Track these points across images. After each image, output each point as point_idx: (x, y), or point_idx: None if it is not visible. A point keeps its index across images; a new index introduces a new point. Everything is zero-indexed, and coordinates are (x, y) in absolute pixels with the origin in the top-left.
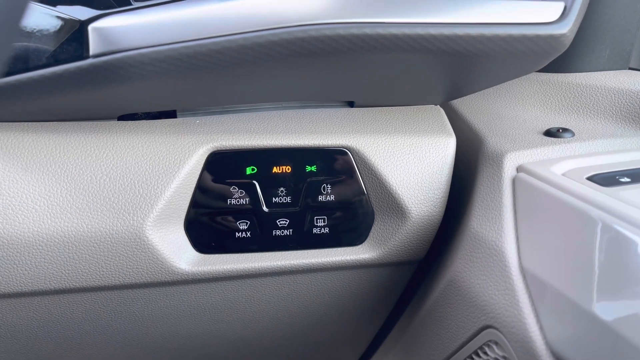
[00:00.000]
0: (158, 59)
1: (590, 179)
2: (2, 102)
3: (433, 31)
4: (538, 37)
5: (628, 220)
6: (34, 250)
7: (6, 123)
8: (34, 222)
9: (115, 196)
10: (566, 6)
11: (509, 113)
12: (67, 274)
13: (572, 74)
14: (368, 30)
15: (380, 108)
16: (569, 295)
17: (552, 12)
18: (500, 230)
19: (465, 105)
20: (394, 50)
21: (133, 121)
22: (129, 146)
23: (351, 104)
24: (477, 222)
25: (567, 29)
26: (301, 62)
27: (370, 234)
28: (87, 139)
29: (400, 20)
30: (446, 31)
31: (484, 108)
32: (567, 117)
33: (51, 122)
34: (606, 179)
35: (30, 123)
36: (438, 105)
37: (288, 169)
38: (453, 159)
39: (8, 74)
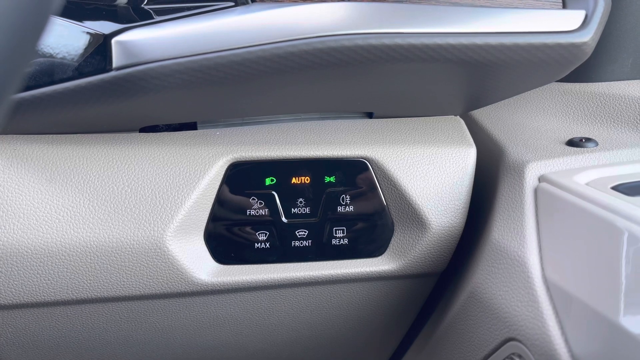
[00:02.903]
0: (179, 71)
1: (615, 188)
2: (27, 115)
3: (452, 41)
4: (559, 46)
5: None
6: (56, 260)
7: (31, 135)
8: (57, 233)
9: (137, 207)
10: (587, 14)
11: (530, 123)
12: (88, 284)
13: (594, 83)
14: (386, 41)
15: (399, 119)
16: (595, 307)
17: (573, 20)
18: (522, 241)
19: (485, 115)
20: (413, 60)
21: (154, 133)
22: (150, 158)
23: (370, 115)
24: (498, 232)
25: (588, 37)
26: (320, 73)
27: (390, 245)
28: (109, 150)
29: (419, 31)
30: (465, 40)
31: (504, 118)
32: (590, 127)
33: (74, 135)
34: (632, 189)
35: (54, 135)
36: (458, 116)
37: (307, 180)
38: (473, 170)
39: (34, 87)
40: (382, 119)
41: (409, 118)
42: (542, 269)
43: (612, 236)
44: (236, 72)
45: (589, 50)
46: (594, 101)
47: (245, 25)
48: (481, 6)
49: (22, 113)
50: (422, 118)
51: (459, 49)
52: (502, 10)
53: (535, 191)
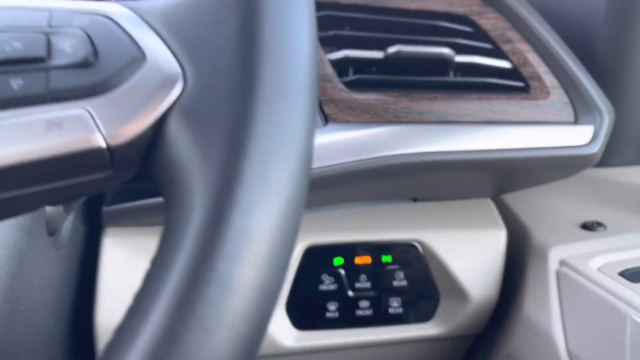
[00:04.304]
0: None
1: (621, 274)
2: None
3: (488, 156)
4: (572, 157)
5: None
6: None
7: (146, 227)
8: None
9: None
10: (595, 130)
11: (550, 204)
12: None
13: (602, 168)
14: (437, 158)
15: (440, 202)
16: None
17: (584, 135)
18: (549, 317)
19: (512, 196)
20: (457, 170)
21: None
22: None
23: (414, 199)
24: (529, 308)
25: (596, 149)
26: (383, 178)
27: (436, 312)
28: None
29: (462, 149)
30: (498, 155)
31: (528, 200)
32: (600, 209)
33: None
34: (636, 275)
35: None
36: (489, 199)
37: (368, 260)
38: (505, 249)
39: None
40: (425, 202)
41: (448, 202)
42: (567, 342)
43: (618, 319)
44: (326, 183)
45: (597, 159)
46: (602, 185)
47: (328, 144)
48: (510, 122)
49: None
50: (459, 202)
51: (494, 162)
52: (527, 128)
53: (558, 274)
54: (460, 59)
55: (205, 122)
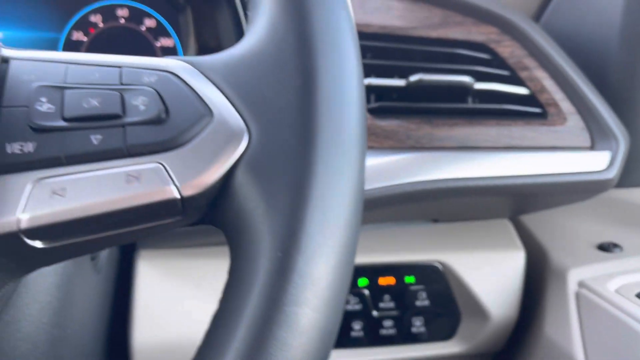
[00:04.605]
0: None
1: (639, 295)
2: None
3: (508, 182)
4: (590, 182)
5: None
6: None
7: (176, 250)
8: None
9: None
10: (612, 155)
11: (566, 225)
12: None
13: (617, 189)
14: (459, 184)
15: (460, 223)
16: None
17: (601, 160)
18: (569, 337)
19: (528, 215)
20: (478, 195)
21: None
22: None
23: (435, 219)
24: (549, 327)
25: (613, 174)
26: (406, 203)
27: (458, 331)
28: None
29: (483, 175)
30: (519, 181)
31: (545, 220)
32: (616, 230)
33: (214, 248)
34: None
35: (197, 250)
36: (507, 220)
37: (392, 281)
38: (524, 270)
39: None
40: (445, 223)
41: (468, 222)
42: None
43: (637, 341)
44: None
45: (614, 183)
46: (617, 206)
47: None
48: (528, 148)
49: None
50: (478, 222)
51: (512, 188)
52: (545, 154)
53: (577, 296)
54: (480, 86)
55: (269, 175)
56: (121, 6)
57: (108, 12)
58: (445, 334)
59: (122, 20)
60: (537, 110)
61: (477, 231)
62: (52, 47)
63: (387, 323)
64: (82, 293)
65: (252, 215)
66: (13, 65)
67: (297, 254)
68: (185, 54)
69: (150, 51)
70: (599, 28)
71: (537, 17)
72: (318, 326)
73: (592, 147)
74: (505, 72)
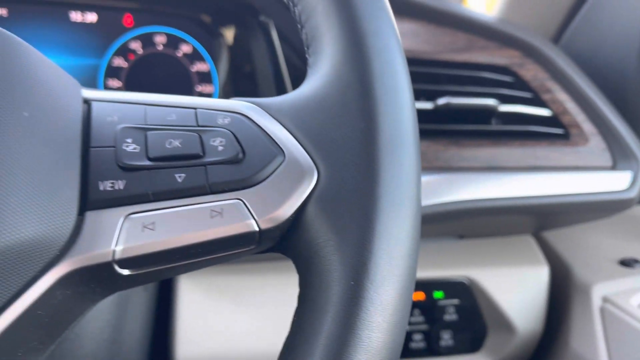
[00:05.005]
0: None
1: None
2: None
3: (533, 202)
4: (612, 201)
5: None
6: None
7: (218, 267)
8: (249, 344)
9: None
10: (634, 175)
11: (588, 241)
12: None
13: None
14: (487, 204)
15: (485, 239)
16: None
17: (623, 180)
18: (595, 351)
19: (550, 231)
20: (504, 214)
21: None
22: None
23: (461, 235)
24: (575, 341)
25: (635, 193)
26: (435, 222)
27: (485, 344)
28: (275, 279)
29: (510, 196)
30: (543, 201)
31: (566, 235)
32: (636, 245)
33: (258, 264)
34: None
35: (237, 266)
36: (530, 235)
37: (422, 296)
38: (548, 285)
39: None
40: (471, 240)
41: (492, 238)
42: None
43: None
44: None
45: (636, 202)
46: (637, 223)
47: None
48: (552, 168)
49: None
50: (503, 238)
51: (537, 207)
52: (568, 174)
53: (602, 311)
54: (505, 108)
55: (338, 210)
56: (159, 33)
57: (147, 39)
58: (473, 347)
59: (160, 47)
60: (559, 131)
61: (501, 247)
62: (94, 73)
63: (417, 337)
64: (134, 310)
65: (324, 247)
66: (95, 106)
67: (368, 283)
68: (219, 78)
69: (186, 75)
70: (617, 50)
71: (556, 38)
72: (387, 347)
73: (613, 167)
74: (528, 95)
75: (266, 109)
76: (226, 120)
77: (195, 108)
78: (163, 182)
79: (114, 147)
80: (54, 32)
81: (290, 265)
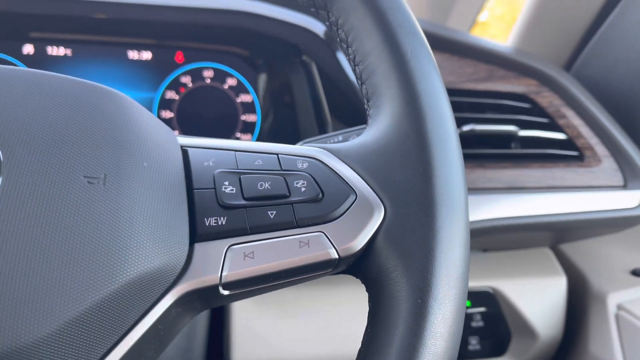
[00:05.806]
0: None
1: None
2: None
3: (552, 220)
4: (623, 218)
5: None
6: None
7: None
8: (298, 350)
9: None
10: None
11: (602, 252)
12: None
13: None
14: (511, 222)
15: (507, 252)
16: None
17: (633, 199)
18: (612, 355)
19: (567, 244)
20: (525, 231)
21: None
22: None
23: (485, 249)
24: (594, 346)
25: None
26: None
27: (509, 348)
28: (314, 290)
29: (531, 214)
30: (561, 219)
31: (581, 247)
32: None
33: None
34: None
35: None
36: (548, 248)
37: None
38: (566, 294)
39: None
40: (494, 252)
41: (513, 251)
42: None
43: None
44: None
45: None
46: None
47: None
48: (568, 187)
49: None
50: (523, 251)
51: (555, 224)
52: (583, 193)
53: (617, 318)
54: (524, 133)
55: (404, 241)
56: (207, 68)
57: (196, 74)
58: (498, 351)
59: (208, 80)
60: (574, 153)
61: (522, 259)
62: (149, 105)
63: None
64: (201, 320)
65: (393, 271)
66: (191, 153)
67: (432, 300)
68: (262, 109)
69: (232, 106)
70: (627, 77)
71: (568, 66)
72: (448, 353)
73: (624, 186)
74: (544, 120)
75: (336, 154)
76: (305, 165)
77: (277, 154)
78: (258, 218)
79: (213, 188)
80: (114, 69)
81: (336, 278)
